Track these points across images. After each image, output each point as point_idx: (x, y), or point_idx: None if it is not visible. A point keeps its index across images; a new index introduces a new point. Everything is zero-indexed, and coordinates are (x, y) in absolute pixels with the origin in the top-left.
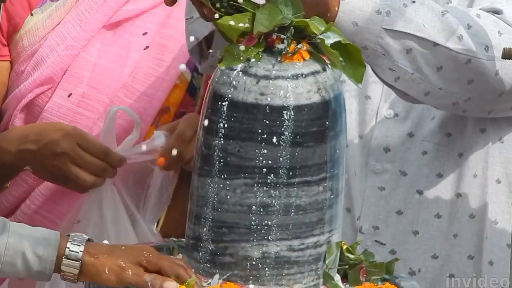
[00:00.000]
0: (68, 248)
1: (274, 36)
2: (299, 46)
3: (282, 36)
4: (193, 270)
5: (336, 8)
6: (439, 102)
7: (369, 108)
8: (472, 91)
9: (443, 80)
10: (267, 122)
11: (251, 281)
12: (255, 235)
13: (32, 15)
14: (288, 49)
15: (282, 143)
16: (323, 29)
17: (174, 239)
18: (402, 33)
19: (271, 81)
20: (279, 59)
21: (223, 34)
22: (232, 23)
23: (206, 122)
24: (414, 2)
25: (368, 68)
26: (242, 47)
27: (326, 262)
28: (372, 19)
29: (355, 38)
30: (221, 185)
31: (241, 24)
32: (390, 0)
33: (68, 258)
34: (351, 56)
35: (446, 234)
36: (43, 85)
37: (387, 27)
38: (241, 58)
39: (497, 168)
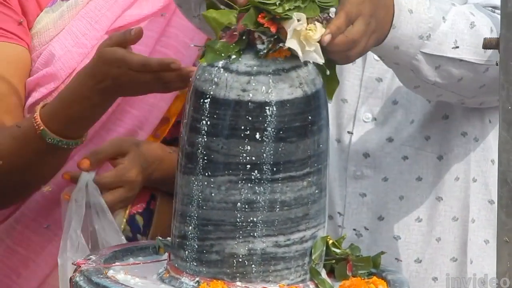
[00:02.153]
0: None
1: (256, 35)
2: (280, 44)
3: (263, 37)
4: None
5: (385, 35)
6: (445, 100)
7: (345, 111)
8: (481, 92)
9: (459, 88)
10: (250, 118)
11: (238, 278)
12: (240, 232)
13: (42, 14)
14: (265, 52)
15: (265, 139)
16: None
17: (160, 238)
18: (436, 56)
19: (252, 77)
20: (261, 53)
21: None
22: (216, 16)
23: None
24: (451, 9)
25: (343, 70)
26: (223, 43)
27: (313, 257)
28: (413, 44)
29: (390, 56)
30: (206, 183)
31: (225, 20)
32: (433, 18)
33: None
34: (329, 69)
35: (429, 238)
36: (48, 80)
37: (424, 50)
38: (222, 54)
39: (472, 167)
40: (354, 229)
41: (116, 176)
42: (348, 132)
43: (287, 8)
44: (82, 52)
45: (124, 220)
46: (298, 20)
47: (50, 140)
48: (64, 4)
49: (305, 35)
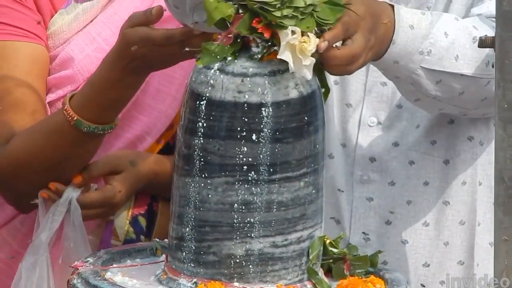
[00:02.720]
0: None
1: (251, 38)
2: (275, 48)
3: (258, 40)
4: None
5: (385, 50)
6: (447, 112)
7: (350, 116)
8: (482, 104)
9: (461, 101)
10: (246, 119)
11: (235, 279)
12: (238, 232)
13: (56, 15)
14: (259, 55)
15: (261, 140)
16: None
17: (157, 239)
18: (436, 71)
19: (248, 79)
20: (255, 57)
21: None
22: (218, 6)
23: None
24: (453, 23)
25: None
26: (218, 45)
27: (310, 257)
28: (413, 59)
29: (390, 70)
30: (202, 184)
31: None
32: (434, 34)
33: None
34: (318, 78)
35: (436, 242)
36: (65, 82)
37: (425, 65)
38: (218, 57)
39: (479, 171)
40: (363, 232)
41: (100, 199)
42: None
43: (285, 13)
44: (101, 57)
45: (127, 222)
46: (293, 33)
47: (85, 128)
48: (79, 6)
49: (300, 48)
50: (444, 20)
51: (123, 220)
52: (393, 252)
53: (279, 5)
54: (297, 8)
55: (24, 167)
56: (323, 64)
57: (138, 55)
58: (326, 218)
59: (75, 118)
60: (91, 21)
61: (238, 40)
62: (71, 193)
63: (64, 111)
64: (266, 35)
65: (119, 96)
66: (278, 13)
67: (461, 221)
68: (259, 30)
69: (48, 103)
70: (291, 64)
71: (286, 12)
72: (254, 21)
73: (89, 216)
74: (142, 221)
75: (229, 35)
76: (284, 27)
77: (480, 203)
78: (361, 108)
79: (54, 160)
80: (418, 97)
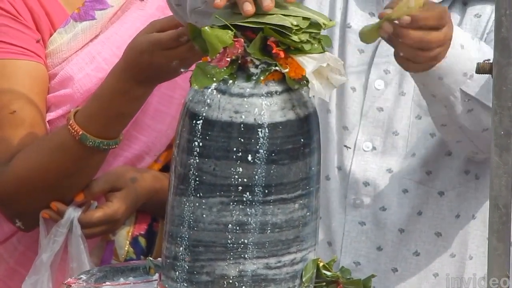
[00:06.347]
0: None
1: (249, 59)
2: (276, 68)
3: (256, 61)
4: None
5: (435, 63)
6: (461, 148)
7: (346, 139)
8: None
9: (481, 139)
10: (242, 140)
11: None
12: (231, 253)
13: (55, 34)
14: (258, 76)
15: (257, 161)
16: None
17: (150, 258)
18: (473, 97)
19: (245, 99)
20: (253, 77)
21: (201, 44)
22: (219, 34)
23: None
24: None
25: (345, 97)
26: (213, 68)
27: (303, 279)
28: (457, 79)
29: (431, 86)
30: (197, 204)
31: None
32: (479, 59)
33: None
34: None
35: (425, 273)
36: (65, 101)
37: (465, 89)
38: (214, 79)
39: (473, 204)
40: (352, 258)
41: (102, 217)
42: (338, 168)
43: (302, 38)
44: (102, 77)
45: (127, 242)
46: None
47: (90, 143)
48: (78, 25)
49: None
50: (489, 50)
51: (123, 241)
52: (383, 279)
53: (294, 30)
54: (310, 33)
55: (28, 185)
56: (392, 40)
57: (145, 64)
58: (319, 239)
59: (80, 132)
60: (91, 40)
61: (239, 61)
62: (73, 213)
63: (69, 126)
64: (281, 55)
65: (125, 109)
66: (295, 38)
67: (452, 253)
68: (274, 50)
69: (47, 121)
70: (317, 85)
71: (303, 37)
72: (269, 41)
73: (92, 234)
74: (142, 242)
75: (226, 59)
76: (302, 51)
77: (473, 237)
78: (357, 132)
79: (58, 177)
80: (445, 122)
